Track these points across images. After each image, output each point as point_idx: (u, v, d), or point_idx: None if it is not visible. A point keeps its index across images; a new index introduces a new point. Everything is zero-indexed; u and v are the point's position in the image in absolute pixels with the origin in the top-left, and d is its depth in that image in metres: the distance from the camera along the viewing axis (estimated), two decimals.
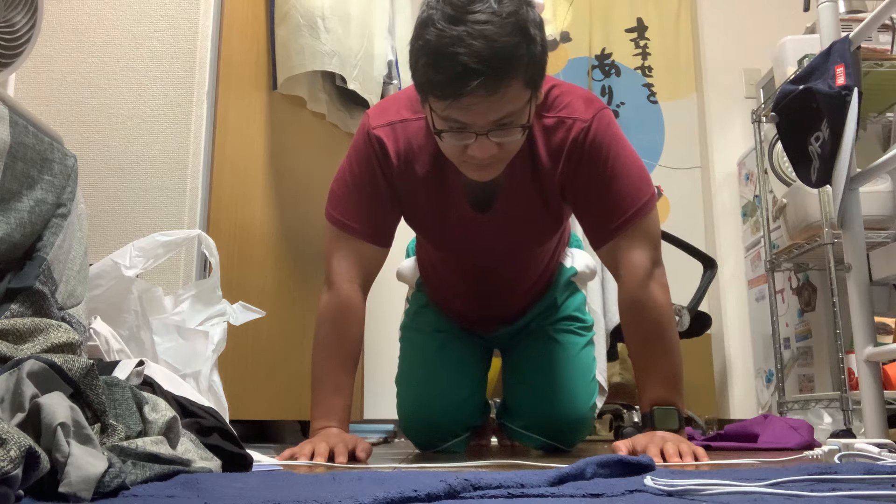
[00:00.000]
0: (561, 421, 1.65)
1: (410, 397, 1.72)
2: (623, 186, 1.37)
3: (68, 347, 0.90)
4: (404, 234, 1.62)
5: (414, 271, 1.84)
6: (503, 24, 1.15)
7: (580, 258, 1.81)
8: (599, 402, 2.27)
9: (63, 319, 1.04)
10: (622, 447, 1.28)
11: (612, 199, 1.37)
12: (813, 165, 1.66)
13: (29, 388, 0.66)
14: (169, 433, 0.84)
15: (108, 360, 1.15)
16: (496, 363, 1.90)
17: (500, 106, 1.19)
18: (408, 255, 1.95)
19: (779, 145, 2.70)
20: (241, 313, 1.48)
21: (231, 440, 1.00)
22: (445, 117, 1.22)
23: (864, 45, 2.02)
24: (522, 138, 1.29)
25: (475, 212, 1.45)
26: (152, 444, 0.77)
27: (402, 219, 1.54)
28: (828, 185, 1.64)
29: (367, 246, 1.46)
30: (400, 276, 1.90)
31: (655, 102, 3.78)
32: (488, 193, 1.43)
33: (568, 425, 1.66)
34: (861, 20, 1.70)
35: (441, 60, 1.15)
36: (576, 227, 1.96)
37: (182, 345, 1.36)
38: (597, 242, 1.44)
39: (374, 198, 1.44)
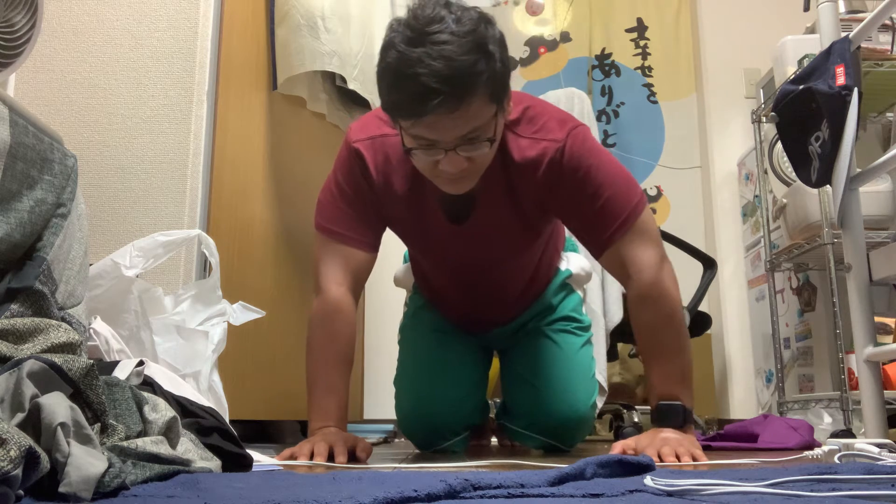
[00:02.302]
0: (561, 420, 1.66)
1: (409, 396, 1.72)
2: (611, 194, 1.40)
3: (68, 347, 0.90)
4: (400, 242, 1.64)
5: (409, 275, 1.87)
6: (461, 43, 1.18)
7: (575, 261, 1.83)
8: (599, 402, 2.27)
9: (63, 319, 1.04)
10: (619, 448, 1.29)
11: (602, 207, 1.40)
12: (813, 165, 1.66)
13: (29, 388, 0.66)
14: (169, 433, 0.84)
15: (108, 360, 1.15)
16: (496, 363, 1.90)
17: (464, 122, 1.23)
18: (405, 262, 1.98)
19: (779, 145, 2.70)
20: (241, 313, 1.48)
21: (231, 440, 1.00)
22: (414, 135, 1.26)
23: (864, 45, 2.02)
24: (492, 152, 1.33)
25: (451, 224, 1.49)
26: (152, 444, 0.77)
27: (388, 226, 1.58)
28: (828, 185, 1.64)
29: (355, 251, 1.49)
30: (396, 282, 1.93)
31: (655, 102, 3.78)
32: (464, 206, 1.47)
33: (568, 424, 1.67)
34: (861, 20, 1.70)
35: (402, 81, 1.19)
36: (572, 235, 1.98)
37: (182, 345, 1.36)
38: (596, 251, 1.45)
39: (359, 206, 1.48)
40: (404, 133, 1.28)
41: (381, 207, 1.50)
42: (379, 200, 1.49)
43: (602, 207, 1.40)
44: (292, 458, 1.25)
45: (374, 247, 1.52)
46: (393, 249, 1.57)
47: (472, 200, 1.46)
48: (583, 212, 1.42)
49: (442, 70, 1.16)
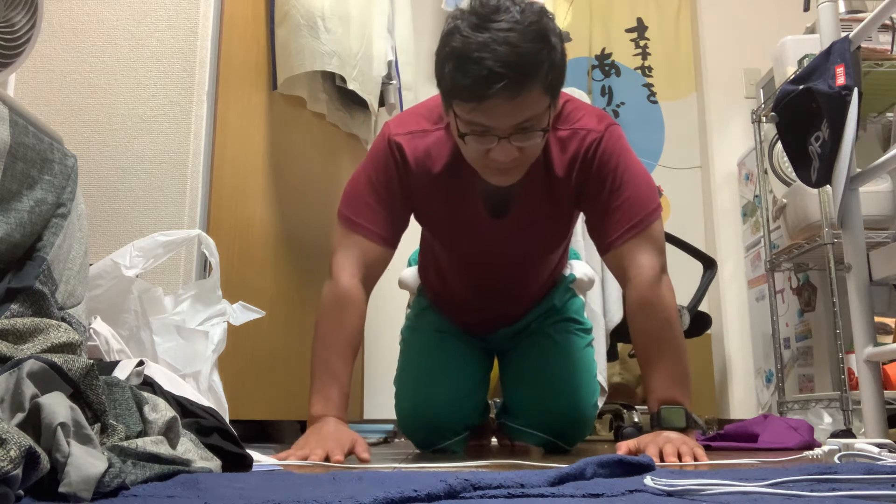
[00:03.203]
0: (564, 418, 1.66)
1: (409, 395, 1.72)
2: (632, 194, 1.43)
3: (68, 347, 0.90)
4: (406, 246, 1.64)
5: (416, 279, 1.87)
6: (525, 31, 1.21)
7: (579, 267, 1.86)
8: (599, 402, 2.27)
9: (63, 319, 1.04)
10: (624, 448, 1.29)
11: (621, 205, 1.43)
12: (813, 165, 1.66)
13: (29, 388, 0.66)
14: (169, 433, 0.84)
15: (108, 360, 1.15)
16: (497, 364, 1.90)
17: (521, 110, 1.25)
18: (410, 265, 1.98)
19: (779, 145, 2.70)
20: (241, 313, 1.48)
21: (231, 440, 1.00)
22: (469, 121, 1.28)
23: (864, 45, 2.01)
24: (542, 143, 1.35)
25: (490, 218, 1.51)
26: (152, 444, 0.77)
27: (416, 222, 1.59)
28: (828, 185, 1.64)
29: (373, 245, 1.48)
30: (402, 284, 1.94)
31: (655, 102, 3.78)
32: (503, 201, 1.48)
33: (571, 422, 1.67)
34: (861, 20, 1.70)
35: (467, 64, 1.22)
36: (573, 243, 2.01)
37: (182, 345, 1.36)
38: (605, 248, 1.47)
39: (388, 200, 1.49)
40: (459, 120, 1.30)
41: (415, 201, 1.51)
42: (412, 195, 1.50)
43: (620, 206, 1.43)
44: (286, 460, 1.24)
45: (392, 243, 1.52)
46: (397, 251, 1.56)
47: (512, 195, 1.47)
48: (602, 204, 1.45)
49: (507, 55, 1.19)
